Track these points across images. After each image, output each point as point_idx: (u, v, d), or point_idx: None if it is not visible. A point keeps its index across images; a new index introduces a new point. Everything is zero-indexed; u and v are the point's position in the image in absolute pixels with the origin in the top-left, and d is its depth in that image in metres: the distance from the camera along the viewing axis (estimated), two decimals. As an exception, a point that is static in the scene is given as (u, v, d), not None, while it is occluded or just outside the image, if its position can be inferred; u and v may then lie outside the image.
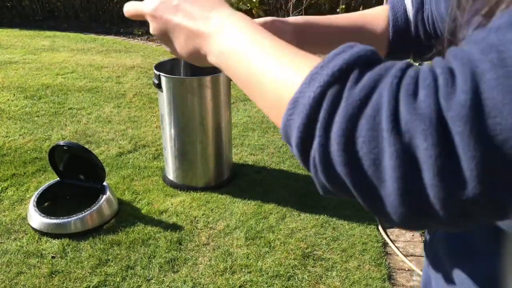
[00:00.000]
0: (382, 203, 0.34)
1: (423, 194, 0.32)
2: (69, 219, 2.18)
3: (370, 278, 1.97)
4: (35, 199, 2.30)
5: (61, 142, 2.31)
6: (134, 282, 1.92)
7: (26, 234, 2.19)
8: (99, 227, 2.23)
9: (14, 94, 3.91)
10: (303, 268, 2.02)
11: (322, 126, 0.35)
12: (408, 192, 0.33)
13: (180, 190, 2.59)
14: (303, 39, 0.71)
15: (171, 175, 2.64)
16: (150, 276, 1.95)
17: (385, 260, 2.09)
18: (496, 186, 0.31)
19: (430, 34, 0.69)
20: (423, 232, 2.20)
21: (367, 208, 0.36)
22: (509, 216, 0.34)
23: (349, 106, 0.34)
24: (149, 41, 6.21)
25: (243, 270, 1.99)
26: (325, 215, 2.39)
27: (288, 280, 1.95)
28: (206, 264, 2.03)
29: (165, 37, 0.54)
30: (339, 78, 0.35)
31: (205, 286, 1.91)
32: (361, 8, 5.65)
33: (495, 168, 0.31)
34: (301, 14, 6.25)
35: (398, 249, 2.16)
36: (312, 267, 2.03)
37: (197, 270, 1.99)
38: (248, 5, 5.08)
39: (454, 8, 0.45)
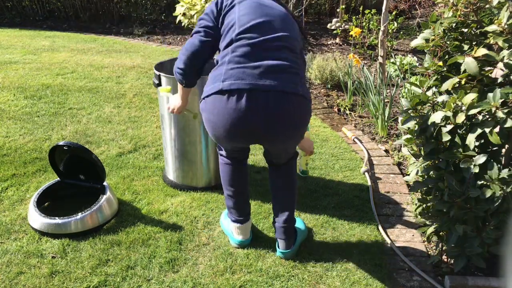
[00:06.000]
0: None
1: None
2: (69, 219, 2.18)
3: (370, 278, 1.97)
4: (35, 199, 2.31)
5: (61, 142, 2.31)
6: (134, 282, 1.92)
7: (26, 234, 2.19)
8: (99, 227, 2.23)
9: (14, 94, 3.91)
10: (303, 268, 2.02)
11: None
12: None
13: (180, 190, 2.59)
14: None
15: (171, 175, 2.64)
16: (150, 276, 1.95)
17: (385, 260, 2.09)
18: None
19: None
20: (423, 232, 2.20)
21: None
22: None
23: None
24: (149, 41, 6.21)
25: (243, 270, 2.00)
26: (325, 215, 2.39)
27: (288, 280, 1.95)
28: (206, 264, 2.03)
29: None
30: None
31: (205, 286, 1.91)
32: (361, 8, 5.65)
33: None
34: (301, 14, 6.25)
35: (398, 249, 2.16)
36: (312, 267, 2.03)
37: (197, 270, 1.99)
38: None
39: None
